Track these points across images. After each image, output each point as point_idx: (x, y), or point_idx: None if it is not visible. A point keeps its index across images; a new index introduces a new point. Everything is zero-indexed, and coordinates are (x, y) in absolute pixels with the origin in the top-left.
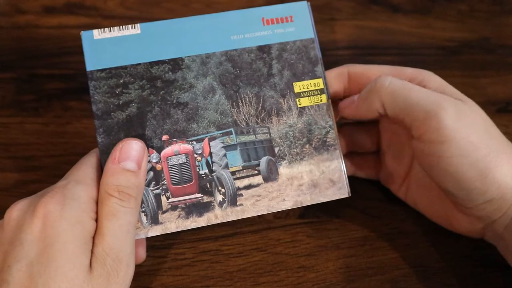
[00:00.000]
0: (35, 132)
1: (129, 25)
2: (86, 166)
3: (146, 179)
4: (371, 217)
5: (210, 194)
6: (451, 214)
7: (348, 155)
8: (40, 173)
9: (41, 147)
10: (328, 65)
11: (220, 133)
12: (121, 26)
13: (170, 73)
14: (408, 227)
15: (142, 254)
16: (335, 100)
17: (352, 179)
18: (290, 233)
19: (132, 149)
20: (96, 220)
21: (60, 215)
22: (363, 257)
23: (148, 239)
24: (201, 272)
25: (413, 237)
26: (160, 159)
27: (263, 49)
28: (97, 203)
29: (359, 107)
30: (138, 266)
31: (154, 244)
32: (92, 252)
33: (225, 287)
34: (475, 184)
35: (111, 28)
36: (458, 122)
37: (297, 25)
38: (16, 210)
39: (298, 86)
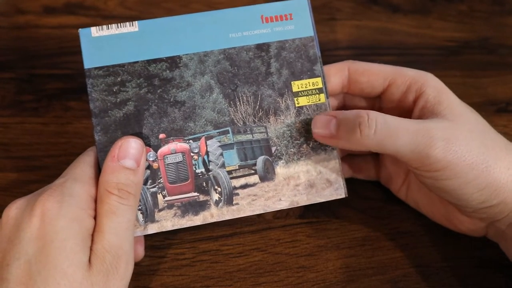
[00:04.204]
0: (35, 132)
1: (127, 23)
2: (84, 164)
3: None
4: (371, 217)
5: (206, 193)
6: (453, 214)
7: (348, 157)
8: (40, 173)
9: (41, 147)
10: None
11: (217, 132)
12: (119, 24)
13: (168, 71)
14: (408, 227)
15: (140, 252)
16: (332, 98)
17: (351, 179)
18: (290, 233)
19: (131, 147)
20: (95, 218)
21: (58, 213)
22: (363, 257)
23: (148, 239)
24: (201, 272)
25: (413, 237)
26: (157, 157)
27: (262, 48)
28: (95, 201)
29: (339, 144)
30: (138, 266)
31: (154, 244)
32: (91, 249)
33: (225, 287)
34: (473, 196)
35: (109, 25)
36: (450, 152)
37: (297, 23)
38: (14, 209)
39: (296, 85)
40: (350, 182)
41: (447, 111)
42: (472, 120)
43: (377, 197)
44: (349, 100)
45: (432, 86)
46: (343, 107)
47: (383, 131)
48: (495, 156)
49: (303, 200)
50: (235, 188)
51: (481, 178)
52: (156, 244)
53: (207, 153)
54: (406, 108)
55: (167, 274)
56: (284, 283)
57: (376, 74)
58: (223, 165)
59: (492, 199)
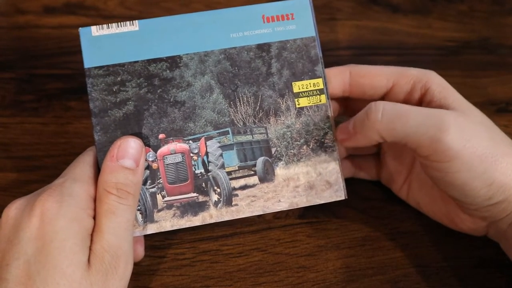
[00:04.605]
0: (35, 132)
1: (127, 22)
2: (83, 164)
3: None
4: (371, 217)
5: (206, 193)
6: (454, 213)
7: (349, 156)
8: (40, 173)
9: (41, 147)
10: (328, 66)
11: (217, 133)
12: (119, 23)
13: (168, 71)
14: (408, 227)
15: (141, 252)
16: (333, 100)
17: (352, 179)
18: (290, 233)
19: (130, 147)
20: (94, 218)
21: (57, 213)
22: (363, 257)
23: (148, 239)
24: (201, 272)
25: (413, 237)
26: (156, 157)
27: (263, 48)
28: (94, 200)
29: (358, 140)
30: (138, 266)
31: (154, 244)
32: (90, 249)
33: (225, 287)
34: (480, 192)
35: (109, 24)
36: (462, 140)
37: (298, 23)
38: (14, 209)
39: (297, 86)
40: (350, 182)
41: (455, 104)
42: (478, 114)
43: (377, 197)
44: (352, 104)
45: (436, 83)
46: (345, 111)
47: (391, 113)
48: (502, 151)
49: (303, 201)
50: (234, 189)
51: (489, 172)
52: (156, 244)
53: (206, 153)
54: None
55: (167, 274)
56: (284, 283)
57: (378, 76)
58: (222, 166)
59: (498, 196)
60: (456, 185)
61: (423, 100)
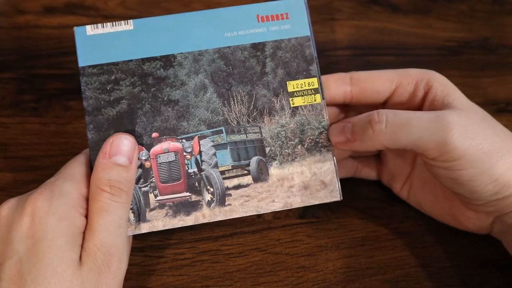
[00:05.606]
0: (35, 132)
1: (122, 21)
2: (76, 163)
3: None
4: (371, 217)
5: (199, 193)
6: (459, 211)
7: (349, 157)
8: (40, 173)
9: (41, 147)
10: (327, 66)
11: (211, 132)
12: (114, 22)
13: (162, 70)
14: (408, 227)
15: None
16: (332, 106)
17: (352, 179)
18: (290, 233)
19: (122, 144)
20: (86, 217)
21: (47, 211)
22: (363, 257)
23: (148, 239)
24: (201, 272)
25: (413, 237)
26: (149, 156)
27: (257, 47)
28: (87, 199)
29: (356, 146)
30: (138, 266)
31: (154, 244)
32: (82, 247)
33: (225, 287)
34: (487, 188)
35: (104, 24)
36: (467, 139)
37: (293, 23)
38: (6, 209)
39: (291, 85)
40: (350, 182)
41: (456, 102)
42: (480, 111)
43: (377, 197)
44: (353, 110)
45: (438, 80)
46: (346, 117)
47: (394, 123)
48: (507, 146)
49: (297, 202)
50: (227, 188)
51: (495, 168)
52: (156, 244)
53: (200, 152)
54: (414, 109)
55: (167, 274)
56: (284, 283)
57: (381, 79)
58: (216, 165)
59: (505, 191)
60: (461, 181)
61: (426, 99)
